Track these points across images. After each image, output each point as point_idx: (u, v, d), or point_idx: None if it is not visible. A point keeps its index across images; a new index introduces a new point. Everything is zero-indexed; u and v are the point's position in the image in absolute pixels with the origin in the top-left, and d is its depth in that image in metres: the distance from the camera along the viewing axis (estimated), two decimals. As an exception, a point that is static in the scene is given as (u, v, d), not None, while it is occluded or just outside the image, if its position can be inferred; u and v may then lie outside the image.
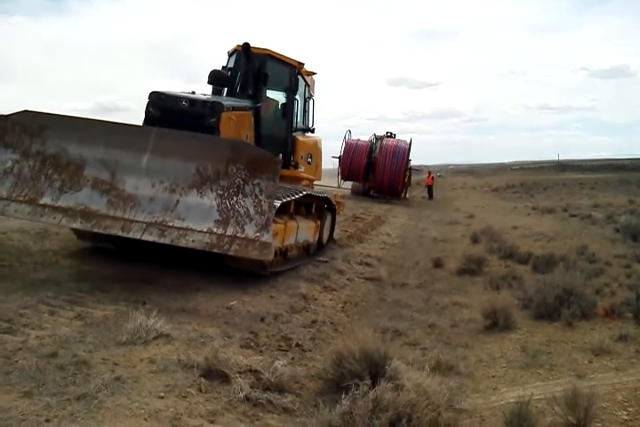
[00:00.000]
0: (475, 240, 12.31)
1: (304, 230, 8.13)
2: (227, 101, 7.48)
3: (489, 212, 20.90)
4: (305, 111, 9.96)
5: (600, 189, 35.92)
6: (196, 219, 5.69)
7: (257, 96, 8.31)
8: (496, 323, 5.76)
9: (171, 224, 5.69)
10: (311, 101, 10.15)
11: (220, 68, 8.78)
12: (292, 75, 9.04)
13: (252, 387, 3.77)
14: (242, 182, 5.68)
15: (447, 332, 5.78)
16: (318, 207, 9.18)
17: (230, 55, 9.09)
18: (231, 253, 5.59)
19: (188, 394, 3.58)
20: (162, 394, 3.53)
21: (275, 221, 6.27)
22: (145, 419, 3.19)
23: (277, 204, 6.18)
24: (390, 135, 28.33)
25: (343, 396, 3.48)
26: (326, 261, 8.86)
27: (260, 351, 4.60)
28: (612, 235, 12.82)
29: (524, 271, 8.70)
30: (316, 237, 9.11)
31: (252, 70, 8.36)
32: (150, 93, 7.02)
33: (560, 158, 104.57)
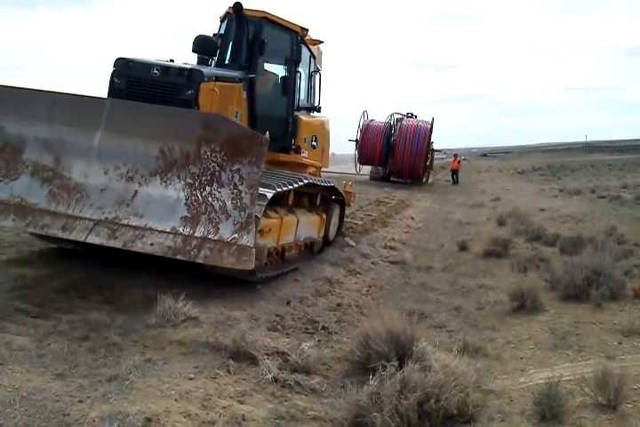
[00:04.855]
0: (501, 223, 12.17)
1: (306, 226, 7.06)
2: (209, 70, 6.32)
3: (515, 194, 20.64)
4: (310, 87, 8.58)
5: (629, 170, 35.28)
6: (158, 215, 4.69)
7: (251, 67, 6.97)
8: (523, 305, 5.69)
9: (125, 222, 4.69)
10: (317, 76, 8.76)
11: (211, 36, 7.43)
12: (294, 42, 7.64)
13: (279, 368, 3.82)
14: (217, 168, 4.64)
15: (473, 314, 5.75)
16: (324, 198, 8.12)
17: (222, 21, 7.71)
18: (200, 261, 4.63)
19: (217, 375, 3.64)
20: (191, 375, 3.59)
21: (268, 216, 5.65)
22: (176, 400, 3.25)
23: (269, 195, 5.30)
24: (411, 116, 26.65)
25: (370, 377, 3.49)
26: (352, 246, 8.85)
27: (287, 334, 4.64)
28: (642, 216, 12.61)
29: (551, 253, 8.58)
30: (321, 234, 7.98)
31: (245, 37, 7.02)
32: (116, 60, 5.86)
33: (588, 140, 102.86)
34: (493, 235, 9.66)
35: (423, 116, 27.03)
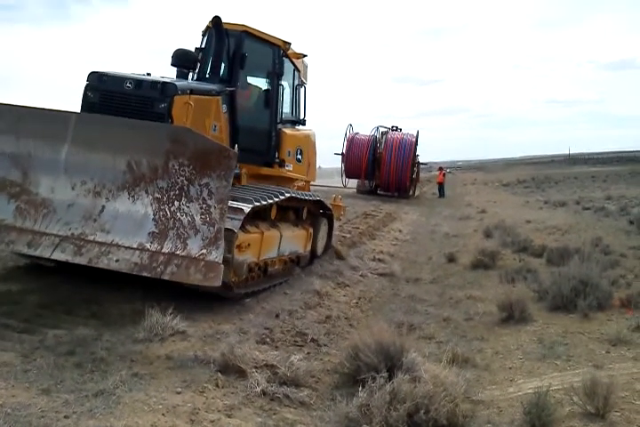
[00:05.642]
0: (487, 235, 12.25)
1: (291, 240, 6.97)
2: (183, 83, 6.21)
3: (501, 206, 20.79)
4: (294, 100, 8.46)
5: (612, 182, 35.75)
6: (125, 231, 4.59)
7: (231, 80, 6.92)
8: (512, 315, 5.72)
9: (91, 238, 4.61)
10: (302, 89, 8.65)
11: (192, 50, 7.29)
12: (276, 56, 7.56)
13: (268, 382, 3.78)
14: (186, 183, 4.52)
15: (462, 325, 5.76)
16: (310, 212, 7.96)
17: (203, 35, 7.66)
18: (166, 278, 4.44)
19: (205, 389, 3.60)
20: (179, 390, 3.55)
21: (247, 231, 5.63)
22: (163, 414, 3.20)
23: (246, 209, 5.24)
24: (396, 129, 26.68)
25: (360, 389, 3.47)
26: (342, 258, 8.85)
27: (276, 347, 4.62)
28: (626, 227, 12.75)
29: (538, 264, 8.63)
30: (308, 248, 7.87)
31: (225, 50, 6.89)
32: (89, 74, 5.78)
33: (571, 152, 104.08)
34: (480, 247, 9.71)
35: (408, 129, 27.15)
